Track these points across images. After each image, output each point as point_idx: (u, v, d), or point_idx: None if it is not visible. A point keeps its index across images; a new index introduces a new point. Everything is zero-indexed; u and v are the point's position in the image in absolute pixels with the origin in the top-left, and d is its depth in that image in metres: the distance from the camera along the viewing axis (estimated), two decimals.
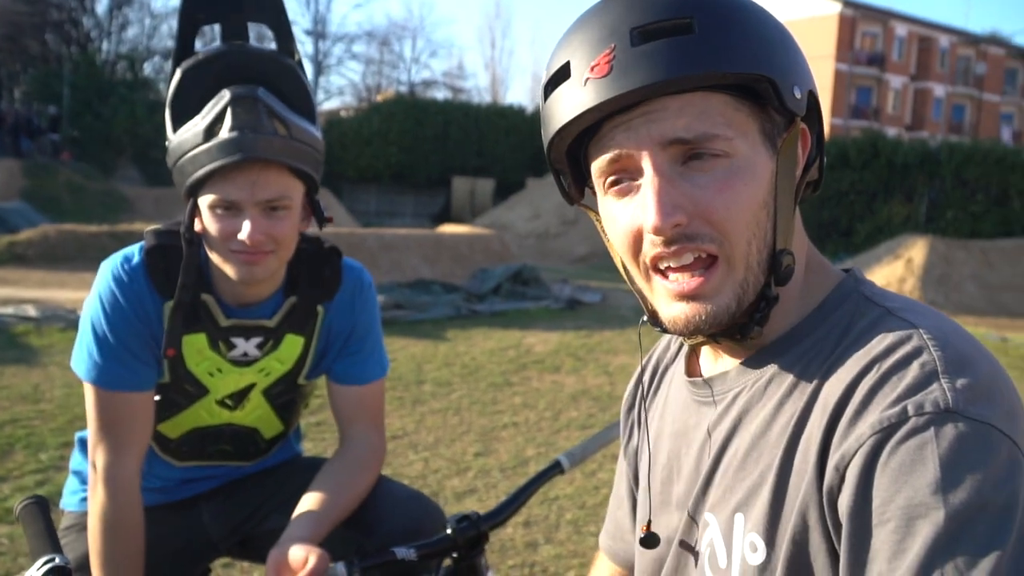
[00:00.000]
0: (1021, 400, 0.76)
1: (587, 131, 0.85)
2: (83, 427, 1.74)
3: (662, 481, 1.00)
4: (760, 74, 0.79)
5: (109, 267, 1.53)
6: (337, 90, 47.40)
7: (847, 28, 45.04)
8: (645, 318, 0.94)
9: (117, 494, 1.49)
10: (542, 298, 10.84)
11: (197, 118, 1.41)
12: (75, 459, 1.73)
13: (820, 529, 0.76)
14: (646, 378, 1.14)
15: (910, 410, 0.71)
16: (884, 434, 0.71)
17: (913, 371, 0.74)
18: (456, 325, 8.98)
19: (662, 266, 0.84)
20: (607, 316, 10.24)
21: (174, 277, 1.50)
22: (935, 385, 0.72)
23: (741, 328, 0.86)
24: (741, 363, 0.91)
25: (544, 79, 0.87)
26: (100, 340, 1.50)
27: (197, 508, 1.73)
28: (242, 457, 1.74)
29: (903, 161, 22.46)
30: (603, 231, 0.94)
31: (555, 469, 1.57)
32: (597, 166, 0.86)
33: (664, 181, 0.80)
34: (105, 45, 37.63)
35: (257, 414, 1.68)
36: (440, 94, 44.80)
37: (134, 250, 1.54)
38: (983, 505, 0.66)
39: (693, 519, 0.92)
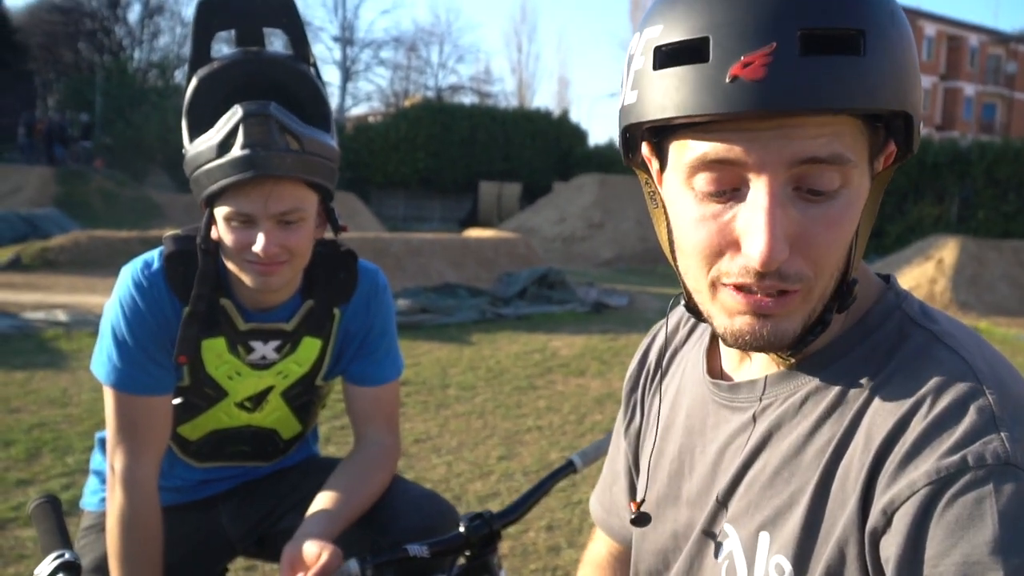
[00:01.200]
0: None
1: None
2: (97, 434, 1.76)
3: (670, 474, 0.98)
4: (904, 111, 0.74)
5: (129, 272, 1.54)
6: (365, 96, 47.66)
7: None
8: (683, 301, 0.88)
9: (135, 495, 1.50)
10: (568, 301, 10.83)
11: (212, 131, 1.42)
12: (95, 459, 1.75)
13: (858, 565, 0.74)
14: (652, 359, 1.11)
15: (970, 461, 0.68)
16: (940, 484, 0.69)
17: (971, 417, 0.71)
18: (481, 329, 8.98)
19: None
20: (633, 319, 10.20)
21: (193, 282, 1.51)
22: (993, 435, 0.69)
23: (800, 345, 0.81)
24: (772, 374, 0.87)
25: (659, 37, 0.74)
26: (120, 344, 1.51)
27: (215, 508, 1.75)
28: (261, 458, 1.75)
29: (933, 161, 22.20)
30: (651, 196, 0.87)
31: (568, 468, 1.56)
32: (693, 156, 0.75)
33: (779, 209, 0.72)
34: (137, 53, 38.26)
35: (276, 416, 1.70)
36: (467, 99, 44.95)
37: (154, 255, 1.55)
38: None
39: (711, 526, 0.90)
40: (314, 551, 1.33)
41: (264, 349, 1.60)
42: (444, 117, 31.37)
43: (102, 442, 1.72)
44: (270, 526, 1.73)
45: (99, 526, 1.64)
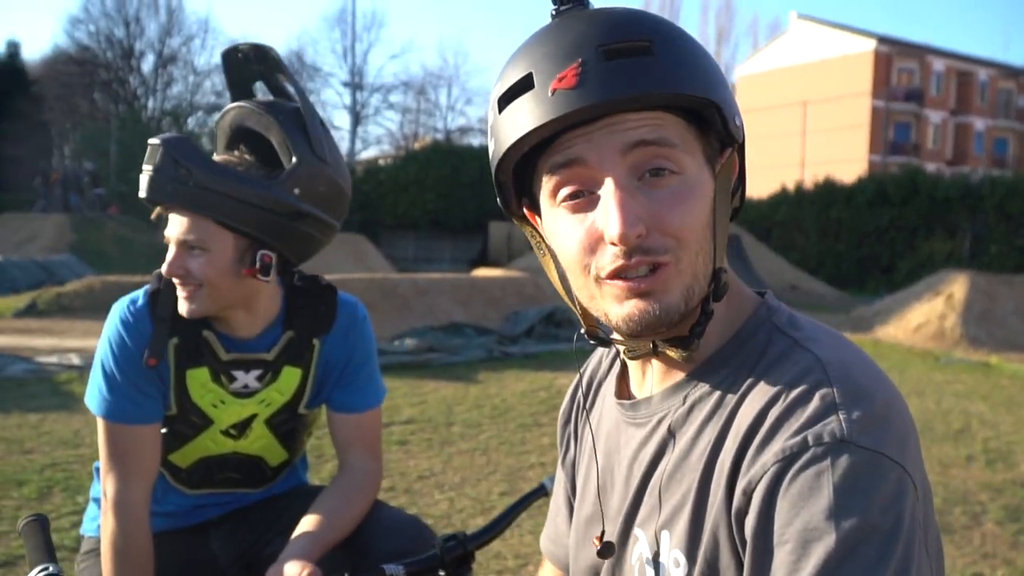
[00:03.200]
0: (914, 425, 0.83)
1: (539, 144, 0.87)
2: (95, 464, 1.84)
3: (595, 493, 1.05)
4: (711, 100, 0.85)
5: (117, 310, 1.65)
6: (375, 139, 48.13)
7: (883, 65, 44.92)
8: (583, 330, 0.98)
9: (126, 521, 1.58)
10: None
11: None
12: (94, 487, 1.83)
13: (729, 547, 0.82)
14: (582, 392, 1.18)
15: (810, 440, 0.77)
16: (786, 462, 0.77)
17: (814, 403, 0.80)
18: (488, 367, 9.04)
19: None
20: None
21: (176, 315, 1.62)
22: (832, 417, 0.78)
23: (683, 341, 0.90)
24: (665, 389, 0.96)
25: (498, 91, 0.89)
26: (109, 377, 1.61)
27: (207, 534, 1.82)
28: (250, 484, 1.82)
29: (944, 196, 22.28)
30: (538, 246, 0.98)
31: (540, 492, 1.62)
32: (549, 174, 0.88)
33: (625, 193, 0.83)
34: (151, 102, 38.89)
35: (261, 443, 1.77)
36: (476, 140, 45.30)
37: (139, 293, 1.66)
38: (871, 529, 0.72)
39: (625, 533, 0.97)
40: (295, 572, 1.40)
41: (246, 378, 1.68)
42: (453, 159, 31.66)
43: (99, 471, 1.80)
44: (258, 552, 1.79)
45: (97, 551, 1.70)
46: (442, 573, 1.46)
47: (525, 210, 0.98)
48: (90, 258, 21.04)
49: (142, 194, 1.56)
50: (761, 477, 0.78)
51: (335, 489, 1.68)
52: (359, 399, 1.76)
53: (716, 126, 0.88)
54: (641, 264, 0.85)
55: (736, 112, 0.89)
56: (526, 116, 0.84)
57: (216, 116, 1.65)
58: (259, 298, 1.66)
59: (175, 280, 1.57)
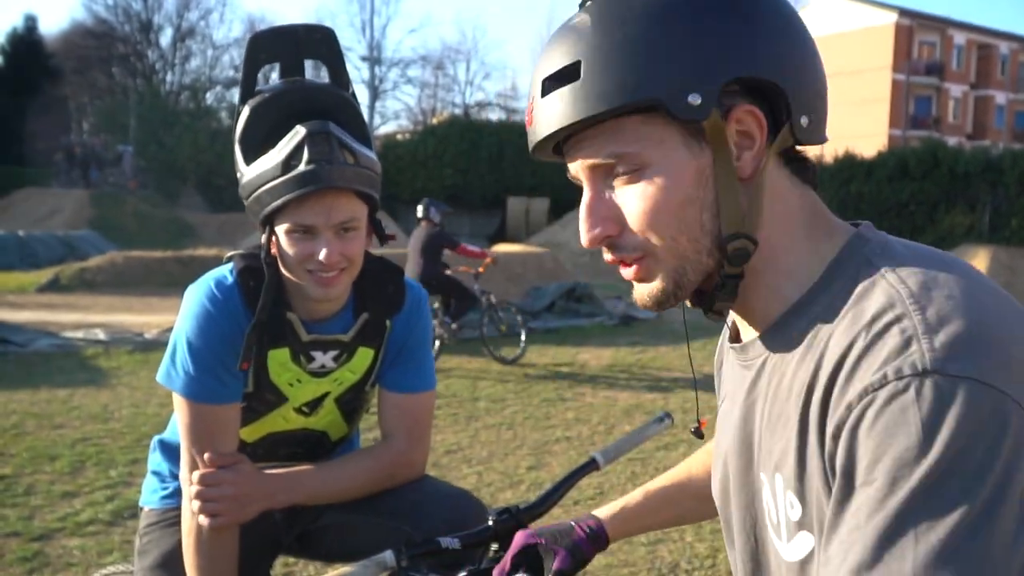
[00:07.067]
0: None
1: None
2: (155, 437, 1.87)
3: (723, 431, 1.07)
4: (649, 98, 0.84)
5: (203, 289, 1.63)
6: (393, 114, 48.38)
7: (904, 38, 44.37)
8: None
9: None
10: (596, 315, 10.89)
11: (273, 152, 1.53)
12: (154, 460, 1.86)
13: (827, 493, 0.81)
14: (725, 338, 1.18)
15: (889, 375, 0.74)
16: (868, 400, 0.75)
17: (893, 337, 0.77)
18: (510, 342, 9.07)
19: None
20: (661, 332, 10.24)
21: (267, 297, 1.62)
22: (914, 347, 0.75)
23: (708, 301, 0.95)
24: (764, 331, 0.95)
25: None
26: (196, 357, 1.60)
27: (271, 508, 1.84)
28: (311, 458, 1.84)
29: (964, 170, 22.05)
30: None
31: (591, 466, 1.63)
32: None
33: (594, 198, 0.92)
34: (169, 76, 38.94)
35: (328, 419, 1.81)
36: (494, 115, 45.27)
37: (224, 273, 1.65)
38: (955, 464, 0.70)
39: (748, 475, 0.98)
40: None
41: (324, 358, 1.71)
42: (471, 134, 31.55)
43: (161, 444, 1.84)
44: (311, 522, 1.82)
45: (162, 523, 1.74)
46: (495, 546, 1.48)
47: None
48: (110, 233, 21.19)
49: (321, 186, 1.49)
50: (846, 419, 0.77)
51: (350, 454, 1.77)
52: (409, 380, 1.78)
53: (680, 107, 0.85)
54: (615, 263, 0.92)
55: (699, 85, 0.84)
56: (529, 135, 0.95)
57: (234, 90, 1.61)
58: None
59: (313, 266, 1.56)
